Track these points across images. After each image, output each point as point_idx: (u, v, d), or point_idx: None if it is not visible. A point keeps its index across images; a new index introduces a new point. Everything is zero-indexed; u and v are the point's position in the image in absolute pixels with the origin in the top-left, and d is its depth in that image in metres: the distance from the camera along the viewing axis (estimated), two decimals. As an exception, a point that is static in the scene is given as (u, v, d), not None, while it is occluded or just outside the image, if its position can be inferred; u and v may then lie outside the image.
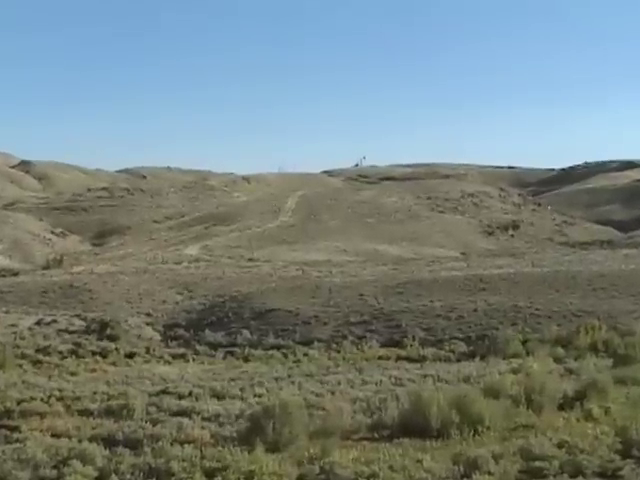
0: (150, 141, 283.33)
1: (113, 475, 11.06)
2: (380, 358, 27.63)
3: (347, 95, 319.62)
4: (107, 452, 12.13)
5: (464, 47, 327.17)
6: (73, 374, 23.25)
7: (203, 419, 14.87)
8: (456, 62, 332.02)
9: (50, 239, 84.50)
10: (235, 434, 13.45)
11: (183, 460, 11.40)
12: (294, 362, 27.29)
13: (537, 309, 33.46)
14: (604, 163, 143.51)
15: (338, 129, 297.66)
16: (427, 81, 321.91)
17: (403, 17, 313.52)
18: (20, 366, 25.20)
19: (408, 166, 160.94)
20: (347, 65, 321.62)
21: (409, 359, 27.21)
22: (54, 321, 36.50)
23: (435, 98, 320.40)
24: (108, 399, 17.20)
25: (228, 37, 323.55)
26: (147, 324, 37.58)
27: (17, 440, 13.39)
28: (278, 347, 31.16)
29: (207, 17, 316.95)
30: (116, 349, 30.47)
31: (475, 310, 34.01)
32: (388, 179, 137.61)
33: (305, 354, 29.31)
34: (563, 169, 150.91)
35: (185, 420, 14.54)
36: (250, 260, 63.40)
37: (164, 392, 18.10)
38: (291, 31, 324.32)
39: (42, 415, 15.67)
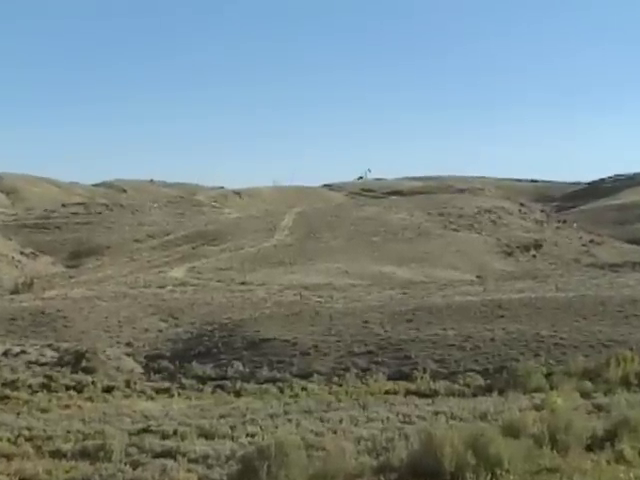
0: (131, 151, 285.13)
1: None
2: (387, 393, 27.63)
3: (350, 101, 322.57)
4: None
5: (478, 47, 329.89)
6: (44, 411, 23.20)
7: (189, 461, 14.78)
8: (469, 64, 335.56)
9: (19, 260, 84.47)
10: (225, 478, 13.40)
11: (167, 507, 11.42)
12: (291, 397, 27.31)
13: (562, 338, 33.44)
14: (635, 176, 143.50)
15: (340, 139, 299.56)
16: (438, 86, 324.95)
17: (409, 18, 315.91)
18: (-16, 402, 24.99)
19: (418, 179, 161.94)
20: (349, 67, 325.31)
21: (419, 394, 27.22)
22: (23, 352, 36.38)
23: (447, 104, 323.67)
24: (83, 439, 17.10)
25: (220, 36, 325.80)
26: (127, 355, 37.53)
27: (-19, 485, 13.21)
28: (273, 380, 31.23)
29: (193, 15, 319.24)
30: (93, 383, 30.37)
31: (493, 339, 34.00)
32: (395, 193, 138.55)
33: (303, 388, 29.36)
34: (590, 182, 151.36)
35: (169, 462, 14.45)
36: (242, 284, 63.32)
37: (146, 431, 18.05)
38: (289, 33, 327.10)
39: (9, 457, 15.52)
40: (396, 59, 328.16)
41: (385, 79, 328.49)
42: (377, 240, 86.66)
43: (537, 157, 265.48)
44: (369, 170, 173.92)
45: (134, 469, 14.01)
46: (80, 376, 31.67)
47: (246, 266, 73.12)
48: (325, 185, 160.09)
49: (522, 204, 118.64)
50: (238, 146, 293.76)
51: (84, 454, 15.61)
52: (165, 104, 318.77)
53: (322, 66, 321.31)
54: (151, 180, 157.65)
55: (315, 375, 31.54)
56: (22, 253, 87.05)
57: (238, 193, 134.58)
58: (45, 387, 29.31)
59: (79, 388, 29.36)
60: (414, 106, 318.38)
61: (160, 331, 42.82)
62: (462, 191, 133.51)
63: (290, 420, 19.72)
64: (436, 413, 20.11)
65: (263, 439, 15.23)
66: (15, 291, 63.81)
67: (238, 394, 28.78)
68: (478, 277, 69.95)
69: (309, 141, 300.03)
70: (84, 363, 33.61)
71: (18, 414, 21.92)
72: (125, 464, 14.42)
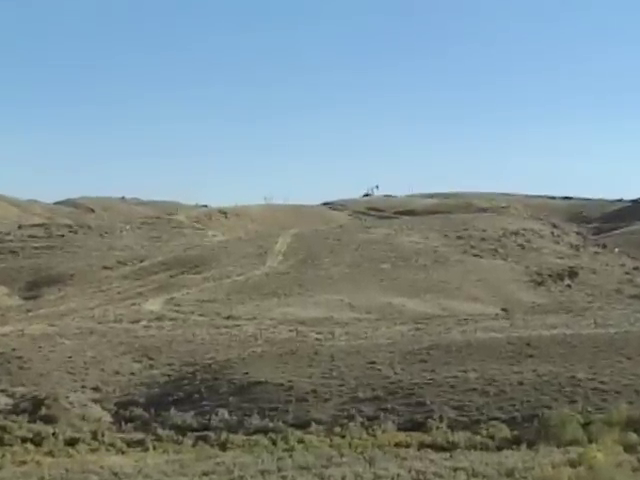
0: (99, 164, 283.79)
1: None
2: (397, 445, 27.63)
3: (352, 108, 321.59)
4: None
5: (499, 48, 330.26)
6: (-3, 467, 23.00)
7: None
8: (489, 65, 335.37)
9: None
10: None
11: None
12: (286, 450, 27.18)
13: (602, 382, 33.40)
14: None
15: (342, 150, 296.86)
16: (453, 91, 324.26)
17: (412, 16, 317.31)
18: None
19: (433, 196, 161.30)
20: (351, 70, 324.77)
21: (435, 446, 27.21)
22: (-29, 398, 36.06)
23: (465, 111, 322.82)
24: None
25: (198, 34, 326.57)
26: (94, 401, 37.35)
27: None
28: (265, 431, 31.09)
29: (175, 20, 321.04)
30: (53, 434, 30.30)
31: (521, 383, 33.88)
32: (407, 213, 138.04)
33: (300, 440, 29.28)
34: (635, 200, 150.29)
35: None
36: (229, 318, 62.90)
37: (116, 490, 18.03)
38: (286, 36, 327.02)
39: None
40: (404, 60, 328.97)
41: (392, 83, 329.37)
42: (386, 267, 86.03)
43: (572, 170, 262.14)
44: (377, 186, 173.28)
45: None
46: (39, 426, 31.60)
47: (233, 298, 72.61)
48: (325, 203, 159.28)
49: (554, 225, 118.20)
50: (224, 159, 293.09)
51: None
52: (139, 110, 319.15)
53: (320, 68, 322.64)
54: (122, 198, 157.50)
55: (313, 424, 31.44)
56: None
57: (224, 212, 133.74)
58: (-2, 439, 29.20)
59: (37, 440, 29.34)
60: (427, 114, 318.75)
61: (133, 374, 42.35)
62: (484, 210, 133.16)
63: (284, 478, 19.62)
64: (455, 469, 20.05)
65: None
66: (-37, 327, 63.23)
67: (224, 447, 28.71)
68: (503, 310, 69.82)
69: (306, 153, 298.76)
70: (43, 411, 33.53)
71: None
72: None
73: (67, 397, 36.54)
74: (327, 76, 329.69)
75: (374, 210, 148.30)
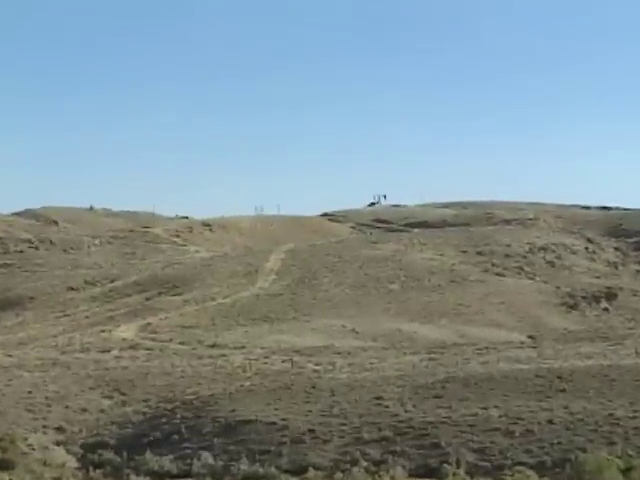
0: (64, 170, 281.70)
1: None
2: (408, 494, 27.54)
3: (354, 104, 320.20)
4: None
5: (514, 46, 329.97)
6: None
7: None
8: (508, 63, 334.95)
9: None
10: None
11: None
12: (279, 500, 27.19)
13: (644, 421, 33.24)
14: None
15: (344, 154, 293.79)
16: (470, 85, 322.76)
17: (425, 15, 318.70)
18: None
19: (448, 206, 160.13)
20: (352, 63, 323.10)
21: (452, 496, 27.21)
22: None
23: (483, 111, 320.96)
24: None
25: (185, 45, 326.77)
26: (58, 444, 37.22)
27: None
28: (255, 477, 31.03)
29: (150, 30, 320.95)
30: (10, 482, 30.16)
31: (551, 422, 33.80)
32: (419, 225, 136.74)
33: (296, 488, 29.03)
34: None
35: None
36: (213, 347, 62.70)
37: None
38: (285, 28, 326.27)
39: None
40: (413, 55, 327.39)
41: (399, 79, 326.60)
42: (395, 288, 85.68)
43: (610, 177, 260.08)
44: (384, 196, 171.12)
45: None
46: (-7, 472, 31.44)
47: (218, 323, 72.54)
48: (324, 214, 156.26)
49: (589, 240, 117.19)
50: (208, 163, 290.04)
51: None
52: (109, 110, 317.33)
53: (318, 60, 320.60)
54: (91, 208, 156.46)
55: (311, 470, 31.25)
56: None
57: (208, 225, 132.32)
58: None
59: (-8, 489, 29.19)
60: (440, 113, 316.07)
61: (102, 411, 42.09)
62: (508, 222, 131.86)
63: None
64: (475, 521, 19.92)
65: None
66: None
67: (207, 496, 28.62)
68: (530, 338, 69.12)
69: (303, 157, 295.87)
70: (-1, 455, 33.40)
71: None
72: None
73: (26, 439, 36.48)
74: (328, 70, 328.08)
75: (381, 222, 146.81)
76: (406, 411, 36.52)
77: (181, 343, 63.96)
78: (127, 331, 69.34)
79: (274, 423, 36.00)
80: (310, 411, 37.42)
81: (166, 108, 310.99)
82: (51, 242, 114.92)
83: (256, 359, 55.91)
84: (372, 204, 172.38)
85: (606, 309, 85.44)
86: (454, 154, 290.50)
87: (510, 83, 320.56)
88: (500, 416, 34.73)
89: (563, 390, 38.01)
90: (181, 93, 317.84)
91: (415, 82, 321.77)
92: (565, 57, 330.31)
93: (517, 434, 33.01)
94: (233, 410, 38.21)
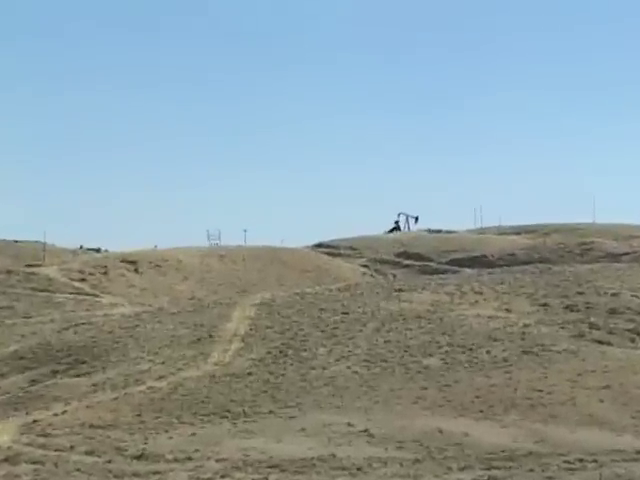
0: None
1: None
2: None
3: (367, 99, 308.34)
4: None
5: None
6: None
7: None
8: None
9: None
10: None
11: None
12: None
13: None
14: None
15: (347, 155, 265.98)
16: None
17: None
18: None
19: (519, 231, 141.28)
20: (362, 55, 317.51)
21: None
22: None
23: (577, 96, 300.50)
24: None
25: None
26: None
27: None
28: None
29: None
30: None
31: None
32: (472, 263, 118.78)
33: None
34: None
35: None
36: (141, 458, 52.24)
37: None
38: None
39: None
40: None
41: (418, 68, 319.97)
42: (433, 364, 70.71)
43: None
44: (415, 217, 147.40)
45: None
46: None
47: (149, 420, 59.64)
48: (319, 245, 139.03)
49: None
50: (132, 173, 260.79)
51: None
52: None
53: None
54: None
55: None
56: None
57: (133, 262, 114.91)
58: None
59: None
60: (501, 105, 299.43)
61: None
62: (616, 257, 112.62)
63: None
64: None
65: None
66: None
67: None
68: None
69: (283, 160, 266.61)
70: None
71: None
72: None
73: None
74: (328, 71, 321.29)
75: (410, 258, 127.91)
76: None
77: (88, 453, 53.16)
78: (3, 434, 58.20)
79: None
80: None
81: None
82: None
83: (210, 479, 47.68)
84: (395, 229, 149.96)
85: None
86: (527, 155, 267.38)
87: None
88: None
89: None
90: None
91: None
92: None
93: None
94: None
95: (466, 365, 68.18)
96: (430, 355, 70.22)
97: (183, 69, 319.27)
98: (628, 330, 77.57)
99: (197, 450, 51.66)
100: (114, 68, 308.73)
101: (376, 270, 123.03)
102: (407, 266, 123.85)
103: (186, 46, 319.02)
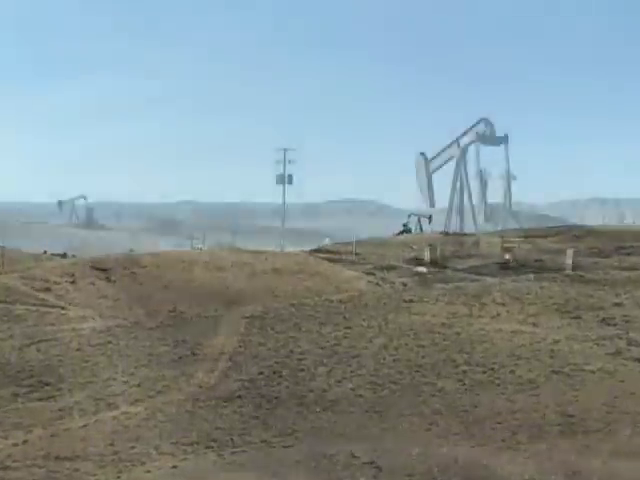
0: None
1: None
2: None
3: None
4: None
5: None
6: None
7: None
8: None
9: None
10: None
11: None
12: None
13: None
14: None
15: (349, 154, 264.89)
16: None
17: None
18: None
19: (547, 234, 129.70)
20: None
21: None
22: None
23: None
24: None
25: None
26: None
27: None
28: None
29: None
30: None
31: None
32: (495, 268, 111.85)
33: None
34: None
35: None
36: None
37: None
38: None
39: None
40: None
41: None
42: (448, 386, 63.02)
43: None
44: (428, 217, 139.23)
45: None
46: None
47: (123, 450, 51.51)
48: (316, 250, 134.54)
49: None
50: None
51: None
52: None
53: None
54: None
55: None
56: None
57: (105, 269, 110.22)
58: None
59: None
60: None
61: None
62: None
63: None
64: None
65: None
66: None
67: None
68: None
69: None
70: None
71: None
72: None
73: None
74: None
75: (424, 264, 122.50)
76: None
77: (56, 500, 52.72)
78: None
79: None
80: None
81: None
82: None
83: None
84: (404, 231, 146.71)
85: None
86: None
87: None
88: None
89: None
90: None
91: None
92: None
93: None
94: None
95: (486, 387, 61.98)
96: (445, 376, 64.32)
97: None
98: None
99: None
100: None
101: (383, 278, 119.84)
102: (420, 274, 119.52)
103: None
